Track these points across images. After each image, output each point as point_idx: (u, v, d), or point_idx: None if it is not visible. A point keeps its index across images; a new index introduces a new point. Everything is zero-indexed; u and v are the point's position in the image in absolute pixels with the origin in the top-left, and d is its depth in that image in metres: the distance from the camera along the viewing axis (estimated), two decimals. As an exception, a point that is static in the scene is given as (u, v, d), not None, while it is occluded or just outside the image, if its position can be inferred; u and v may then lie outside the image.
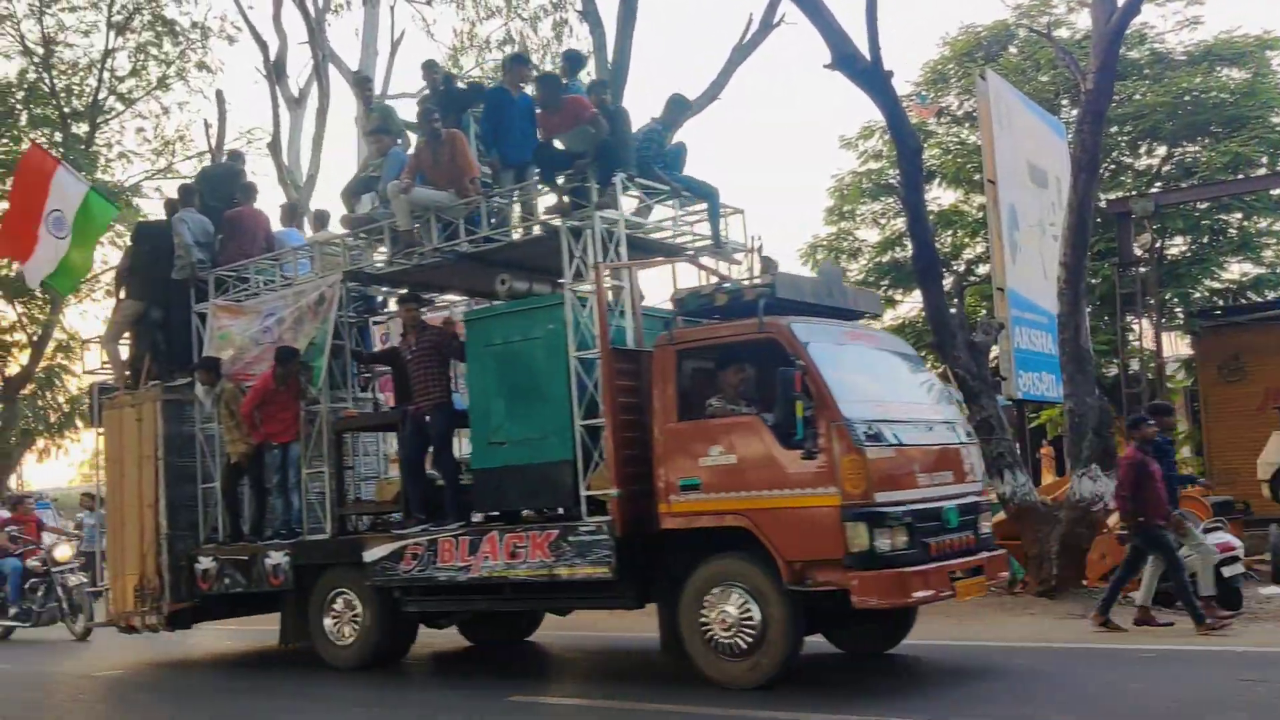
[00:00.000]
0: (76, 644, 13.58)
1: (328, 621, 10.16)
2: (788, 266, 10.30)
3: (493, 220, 9.51)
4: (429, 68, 12.13)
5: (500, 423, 9.16)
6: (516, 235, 9.50)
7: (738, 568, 7.87)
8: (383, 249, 10.35)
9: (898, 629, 9.11)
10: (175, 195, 12.28)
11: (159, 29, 25.78)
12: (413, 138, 10.96)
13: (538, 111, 9.34)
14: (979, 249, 23.32)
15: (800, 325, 7.99)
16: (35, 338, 27.37)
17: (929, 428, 8.40)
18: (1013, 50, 24.22)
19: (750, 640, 7.75)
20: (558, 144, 9.12)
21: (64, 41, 25.75)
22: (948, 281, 20.98)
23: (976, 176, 20.87)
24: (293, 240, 12.14)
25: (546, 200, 10.27)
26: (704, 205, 9.79)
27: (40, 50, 25.46)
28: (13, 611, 14.14)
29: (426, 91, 11.18)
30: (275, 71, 22.89)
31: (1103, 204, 18.93)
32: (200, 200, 11.77)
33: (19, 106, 25.55)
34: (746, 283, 8.25)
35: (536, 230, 9.45)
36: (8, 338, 28.08)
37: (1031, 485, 12.83)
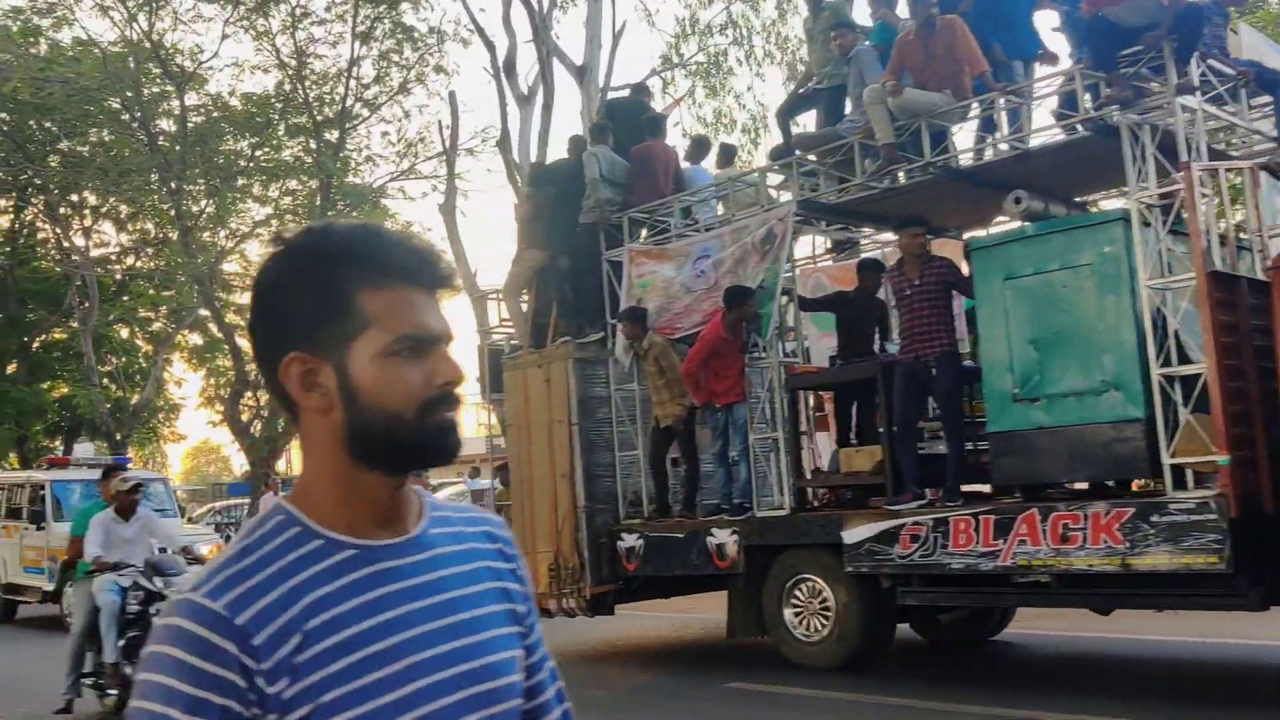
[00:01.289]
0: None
1: (788, 613, 8.68)
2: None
3: (1017, 126, 7.70)
4: None
5: (1030, 374, 7.39)
6: (1053, 137, 7.62)
7: None
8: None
9: None
10: (585, 134, 11.06)
11: (399, 36, 26.54)
12: None
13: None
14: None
15: None
16: None
17: None
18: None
19: None
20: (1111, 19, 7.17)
21: (314, 53, 26.97)
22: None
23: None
24: (700, 178, 10.74)
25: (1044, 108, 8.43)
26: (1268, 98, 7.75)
27: (294, 63, 26.62)
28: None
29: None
30: (505, 70, 22.87)
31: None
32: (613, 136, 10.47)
33: (276, 117, 26.96)
34: None
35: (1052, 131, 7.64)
36: None
37: None
